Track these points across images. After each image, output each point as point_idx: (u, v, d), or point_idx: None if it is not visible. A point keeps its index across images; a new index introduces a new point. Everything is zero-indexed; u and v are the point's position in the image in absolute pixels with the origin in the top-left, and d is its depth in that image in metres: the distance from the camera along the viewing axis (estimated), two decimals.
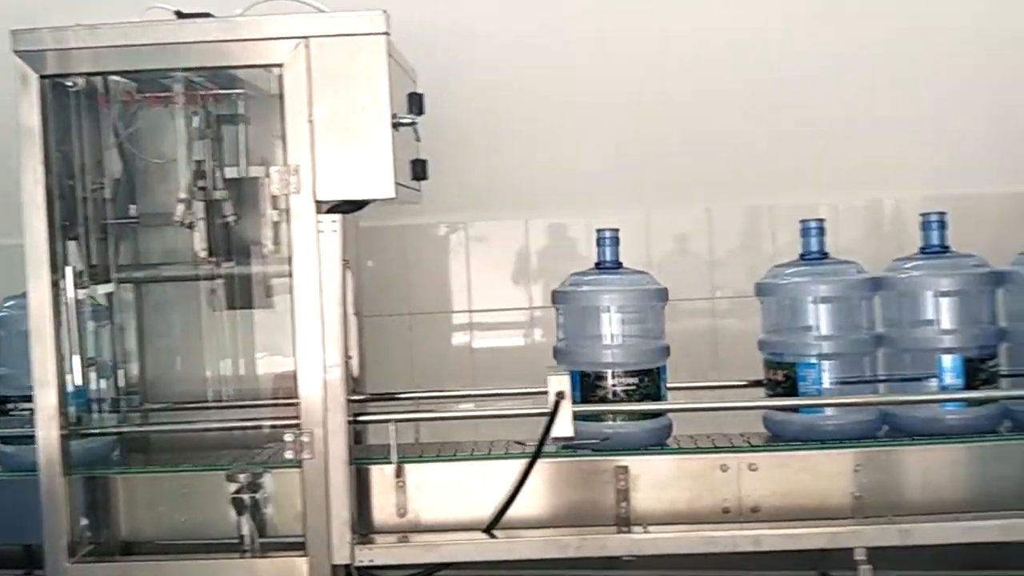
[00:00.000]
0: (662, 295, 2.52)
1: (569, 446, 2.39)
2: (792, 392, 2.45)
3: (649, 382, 2.46)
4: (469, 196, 3.27)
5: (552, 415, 2.31)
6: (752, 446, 2.45)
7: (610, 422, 2.46)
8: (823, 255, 2.52)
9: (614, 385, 2.44)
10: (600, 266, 2.55)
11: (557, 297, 2.57)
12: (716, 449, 2.44)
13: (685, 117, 3.21)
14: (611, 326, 2.48)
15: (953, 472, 2.38)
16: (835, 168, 3.19)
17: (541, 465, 2.38)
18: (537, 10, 3.23)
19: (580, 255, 3.31)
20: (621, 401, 2.44)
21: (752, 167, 3.22)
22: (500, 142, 3.26)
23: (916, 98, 3.17)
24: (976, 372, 2.39)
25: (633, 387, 2.45)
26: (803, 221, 2.54)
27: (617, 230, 2.56)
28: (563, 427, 2.32)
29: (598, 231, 2.57)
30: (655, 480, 2.40)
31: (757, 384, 2.59)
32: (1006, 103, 3.13)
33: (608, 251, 2.55)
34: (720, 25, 3.18)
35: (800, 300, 2.47)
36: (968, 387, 2.39)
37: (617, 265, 2.55)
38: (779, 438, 2.49)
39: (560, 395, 2.31)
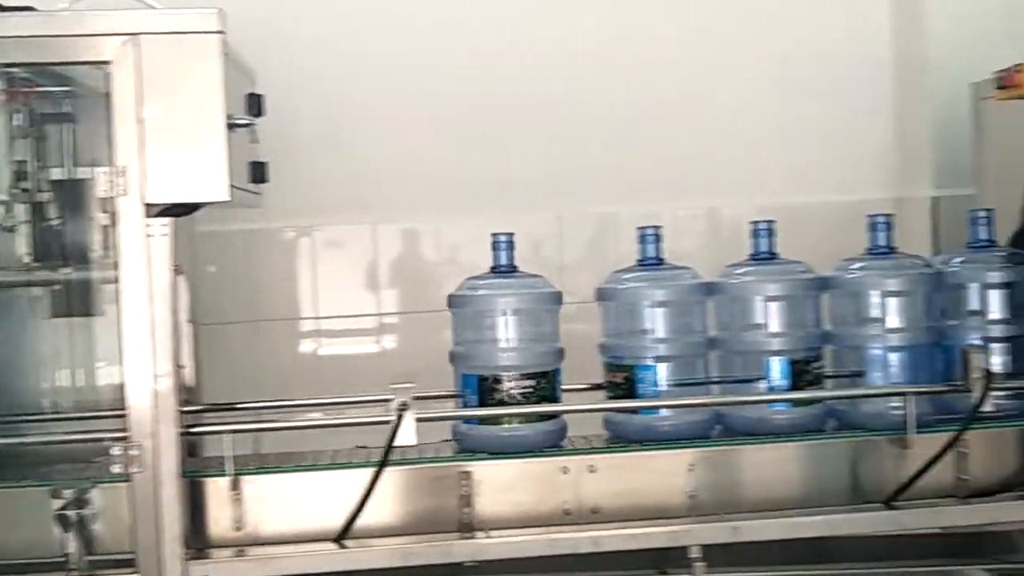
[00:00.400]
0: (556, 298, 2.54)
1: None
2: (631, 394, 2.49)
3: (546, 384, 2.46)
4: (317, 200, 3.22)
5: (395, 426, 2.28)
6: (591, 448, 2.47)
7: (506, 425, 2.45)
8: (660, 261, 2.56)
9: (511, 388, 2.43)
10: (496, 270, 2.54)
11: (452, 301, 2.55)
12: (558, 452, 2.45)
13: (537, 123, 3.24)
14: (507, 329, 2.46)
15: (782, 470, 2.45)
16: (676, 177, 3.28)
17: (389, 473, 2.34)
18: (386, 9, 3.20)
19: (429, 260, 3.31)
20: (519, 404, 2.43)
21: (600, 175, 3.29)
22: (348, 145, 3.22)
23: (754, 111, 3.29)
24: (802, 373, 2.47)
25: (530, 389, 2.44)
26: (640, 228, 2.58)
27: (512, 234, 2.55)
28: (407, 437, 2.29)
29: (493, 235, 2.55)
30: (498, 484, 2.38)
31: (599, 387, 2.62)
32: (834, 116, 3.29)
33: (503, 255, 2.54)
34: (570, 31, 3.23)
35: (638, 305, 2.51)
36: (794, 388, 2.46)
37: (512, 269, 2.54)
38: (619, 439, 2.52)
39: (403, 406, 2.29)
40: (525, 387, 2.44)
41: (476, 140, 3.24)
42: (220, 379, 2.93)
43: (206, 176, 2.19)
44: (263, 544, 2.33)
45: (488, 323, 2.47)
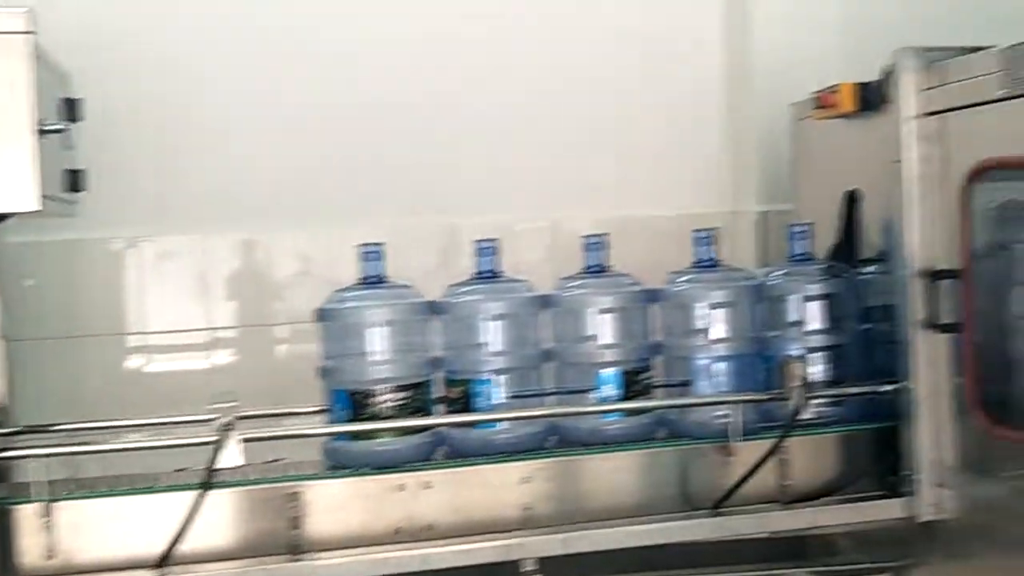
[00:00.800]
0: (429, 308, 2.48)
1: None
2: (468, 408, 2.46)
3: (419, 396, 2.42)
4: (145, 209, 3.07)
5: (218, 447, 2.18)
6: (427, 463, 2.43)
7: (380, 439, 2.39)
8: (497, 274, 2.54)
9: (384, 401, 2.38)
10: (365, 281, 2.47)
11: (321, 314, 2.46)
12: (393, 469, 2.39)
13: (379, 131, 3.18)
14: (379, 341, 2.40)
15: (614, 479, 2.47)
16: (516, 190, 3.29)
17: (216, 496, 2.24)
18: (217, 9, 3.09)
19: (264, 273, 3.20)
20: (392, 418, 2.38)
21: (440, 185, 3.26)
22: (179, 152, 3.08)
23: (592, 126, 3.33)
24: (632, 384, 2.50)
25: (404, 401, 2.39)
26: (478, 241, 2.56)
27: (380, 244, 2.48)
28: (231, 458, 2.20)
29: (362, 246, 2.48)
30: (329, 504, 2.32)
31: (440, 400, 2.57)
32: (666, 132, 3.36)
33: (372, 266, 2.47)
34: (412, 38, 3.19)
35: (474, 318, 2.48)
36: (625, 398, 2.49)
37: (381, 279, 2.47)
38: (457, 454, 2.49)
39: (227, 426, 2.19)
40: (398, 399, 2.39)
41: (316, 147, 3.14)
42: (38, 398, 2.76)
43: (13, 185, 2.06)
44: (78, 573, 2.20)
45: (359, 336, 2.41)
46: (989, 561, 2.39)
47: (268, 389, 2.91)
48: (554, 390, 2.55)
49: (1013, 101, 2.17)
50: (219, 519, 2.28)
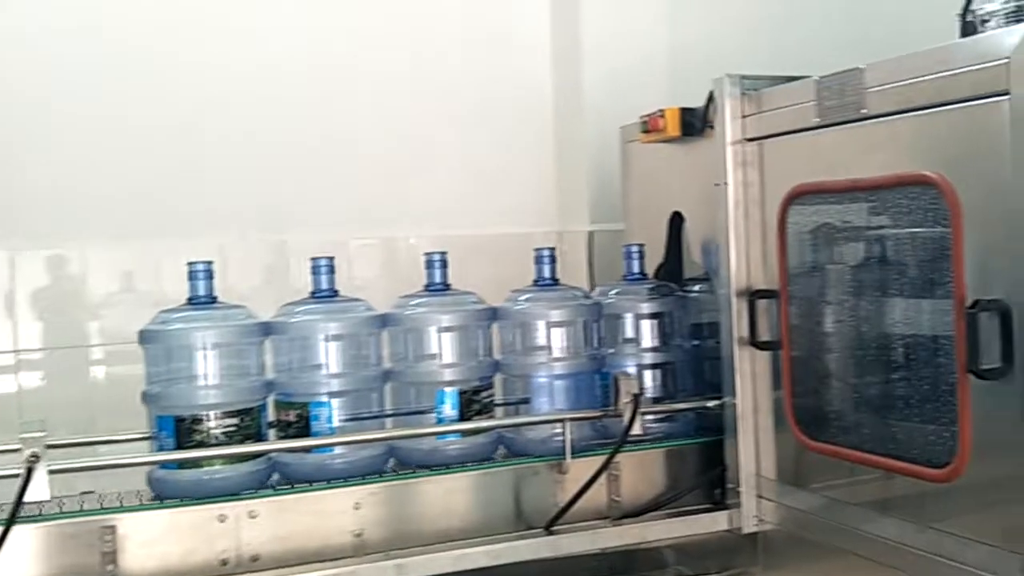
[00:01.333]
0: (262, 330, 2.36)
1: None
2: (306, 432, 2.36)
3: (250, 421, 2.29)
4: None
5: (25, 480, 2.01)
6: (254, 491, 2.30)
7: (207, 468, 2.25)
8: (333, 293, 2.46)
9: (213, 427, 2.24)
10: (194, 301, 2.32)
11: (145, 336, 2.29)
12: (215, 499, 2.25)
13: (204, 147, 3.04)
14: (208, 364, 2.27)
15: (450, 501, 2.41)
16: (354, 207, 3.21)
17: (23, 531, 2.06)
18: (30, 20, 2.88)
19: (75, 290, 3.00)
20: (220, 445, 2.25)
21: (271, 201, 3.14)
22: None
23: (430, 144, 3.30)
24: (471, 403, 2.47)
25: (234, 428, 2.26)
26: (313, 259, 2.47)
27: (210, 263, 2.34)
28: (39, 491, 2.02)
29: (190, 264, 2.33)
30: (146, 538, 2.16)
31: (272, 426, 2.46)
32: (501, 152, 3.36)
33: (201, 284, 2.33)
34: (246, 52, 3.08)
35: (311, 339, 2.39)
36: (464, 418, 2.45)
37: (211, 300, 2.33)
38: (292, 480, 2.37)
39: (34, 458, 2.02)
40: (228, 426, 2.27)
41: (132, 161, 2.97)
42: None
43: None
44: None
45: (186, 358, 2.28)
46: (806, 569, 2.48)
47: (82, 415, 2.73)
48: (393, 411, 2.49)
49: (826, 129, 2.27)
50: (27, 556, 2.09)
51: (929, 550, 2.09)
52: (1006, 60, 1.86)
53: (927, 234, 2.15)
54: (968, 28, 2.40)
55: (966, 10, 2.43)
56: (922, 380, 2.20)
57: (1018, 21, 2.25)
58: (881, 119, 2.14)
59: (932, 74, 2.01)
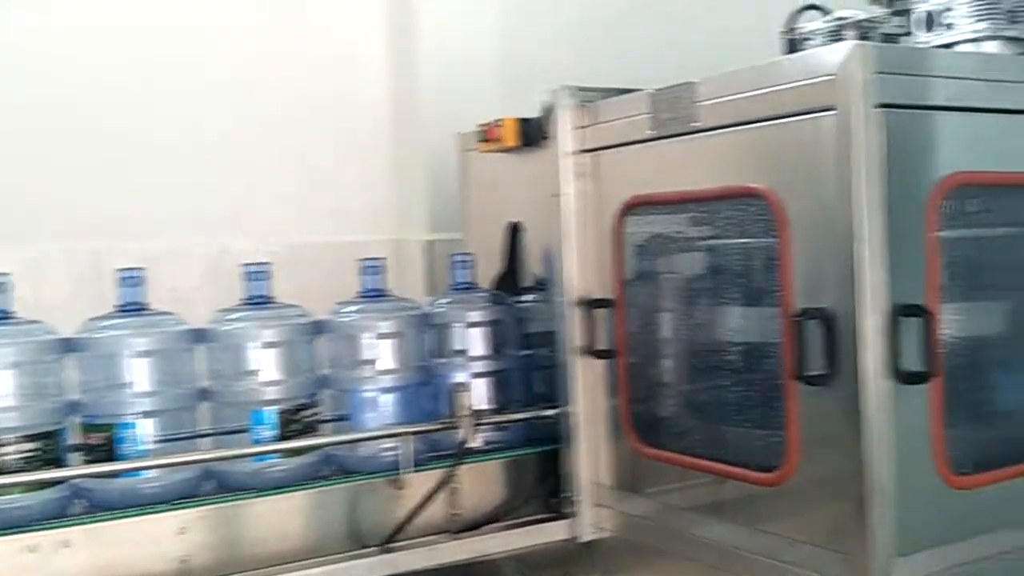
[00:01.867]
0: (62, 346, 2.15)
1: None
2: (111, 456, 2.17)
3: (50, 445, 2.11)
4: None
5: None
6: (66, 519, 2.11)
7: (5, 496, 2.05)
8: (142, 307, 2.27)
9: (8, 453, 2.06)
10: None
11: None
12: (20, 528, 2.04)
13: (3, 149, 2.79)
14: (1, 385, 2.07)
15: (280, 523, 2.27)
16: (173, 213, 3.01)
17: None
18: None
19: None
20: (19, 472, 2.05)
21: (81, 208, 2.90)
22: None
23: (256, 149, 3.13)
24: (291, 422, 2.32)
25: (32, 453, 2.08)
26: (120, 270, 2.28)
27: (7, 275, 2.15)
28: None
29: None
30: None
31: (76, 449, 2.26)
32: (333, 159, 3.23)
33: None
34: (56, 56, 2.84)
35: (117, 356, 2.20)
36: (285, 437, 2.31)
37: (5, 315, 2.12)
38: (99, 507, 2.18)
39: None
40: (27, 451, 2.08)
41: None
42: None
43: None
44: None
45: None
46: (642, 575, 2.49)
47: None
48: (210, 431, 2.32)
49: (659, 142, 2.28)
50: None
51: (759, 552, 2.12)
52: (832, 76, 1.91)
53: (756, 244, 2.19)
54: (791, 46, 2.48)
55: (790, 28, 2.51)
56: (752, 386, 2.25)
57: (837, 40, 2.34)
58: (713, 132, 2.15)
59: (762, 89, 2.04)
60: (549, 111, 2.53)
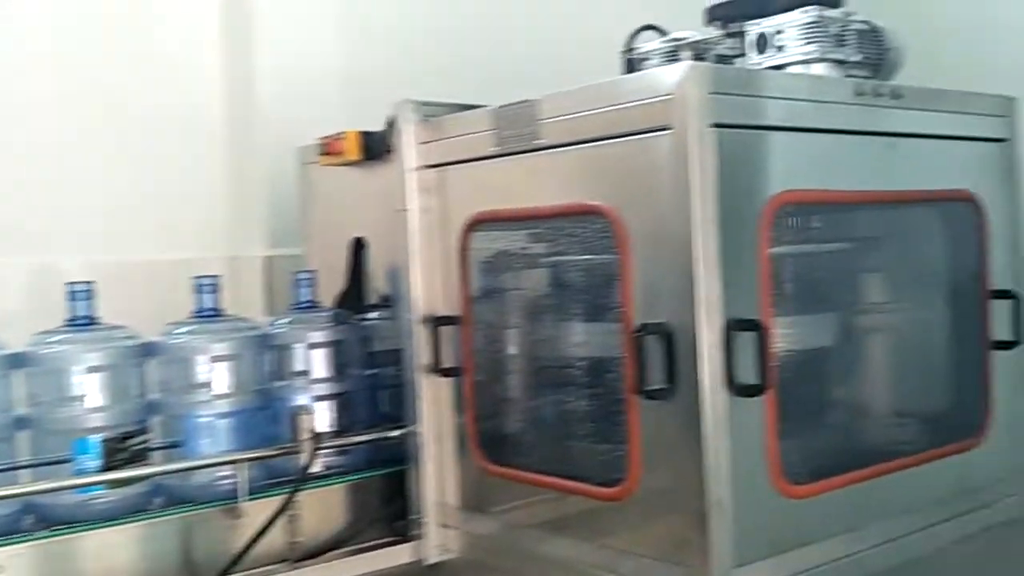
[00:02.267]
0: None
1: None
2: None
3: None
4: None
5: None
6: None
7: None
8: None
9: None
10: None
11: None
12: None
13: None
14: None
15: (110, 557, 2.14)
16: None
17: None
18: None
19: None
20: None
21: None
22: None
23: (79, 162, 2.94)
24: (118, 451, 2.18)
25: None
26: None
27: None
28: None
29: None
30: None
31: None
32: (162, 172, 3.06)
33: None
34: None
35: None
36: (109, 467, 2.16)
37: None
38: None
39: None
40: None
41: None
42: None
43: None
44: None
45: None
46: None
47: None
48: (29, 462, 2.17)
49: (502, 158, 2.27)
50: None
51: (602, 567, 2.12)
52: (669, 96, 1.94)
53: (598, 261, 2.21)
54: (630, 65, 2.52)
55: (629, 48, 2.55)
56: (594, 401, 2.26)
57: (674, 60, 2.39)
58: (555, 150, 2.16)
59: (602, 107, 2.05)
60: (392, 125, 2.48)
